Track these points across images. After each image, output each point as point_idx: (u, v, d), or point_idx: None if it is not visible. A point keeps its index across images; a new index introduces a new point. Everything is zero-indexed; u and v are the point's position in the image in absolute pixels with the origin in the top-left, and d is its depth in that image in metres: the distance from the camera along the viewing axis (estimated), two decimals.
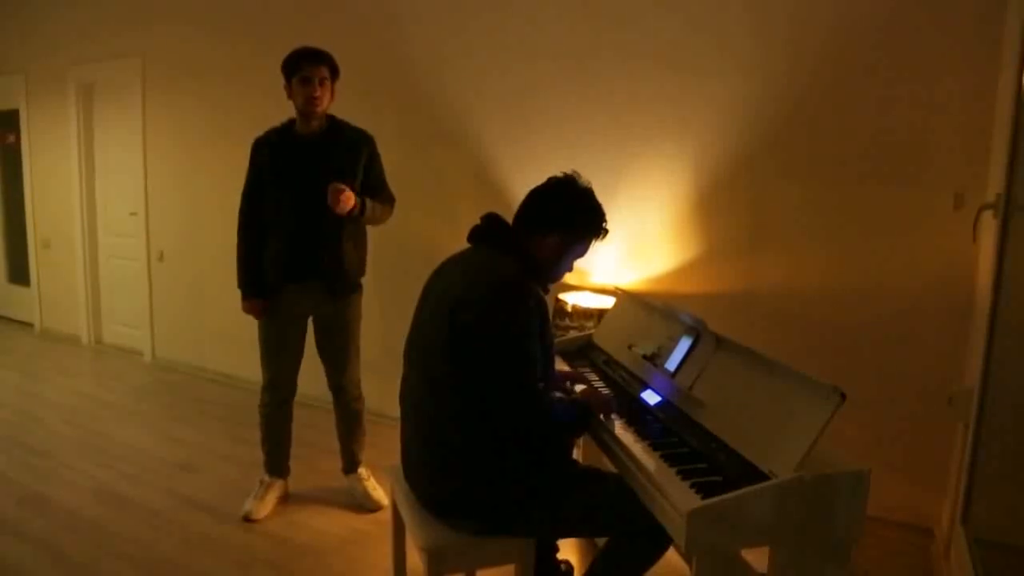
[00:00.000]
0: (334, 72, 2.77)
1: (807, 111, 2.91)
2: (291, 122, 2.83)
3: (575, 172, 2.01)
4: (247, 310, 2.90)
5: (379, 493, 3.03)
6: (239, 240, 2.89)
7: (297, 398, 3.02)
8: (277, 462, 3.03)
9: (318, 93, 2.70)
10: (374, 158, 2.91)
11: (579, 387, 2.22)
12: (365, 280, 2.99)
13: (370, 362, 3.82)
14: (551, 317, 3.17)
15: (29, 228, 6.23)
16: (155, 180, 5.17)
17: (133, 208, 5.36)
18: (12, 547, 2.67)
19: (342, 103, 2.89)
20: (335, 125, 2.84)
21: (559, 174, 2.01)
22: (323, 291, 2.85)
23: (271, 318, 2.89)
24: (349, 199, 2.68)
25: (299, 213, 2.75)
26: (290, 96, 2.76)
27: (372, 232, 3.02)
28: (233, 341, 4.74)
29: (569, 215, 1.95)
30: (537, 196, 1.99)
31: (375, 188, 2.91)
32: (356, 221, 2.84)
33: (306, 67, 2.69)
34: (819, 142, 2.91)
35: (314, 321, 2.97)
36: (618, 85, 3.31)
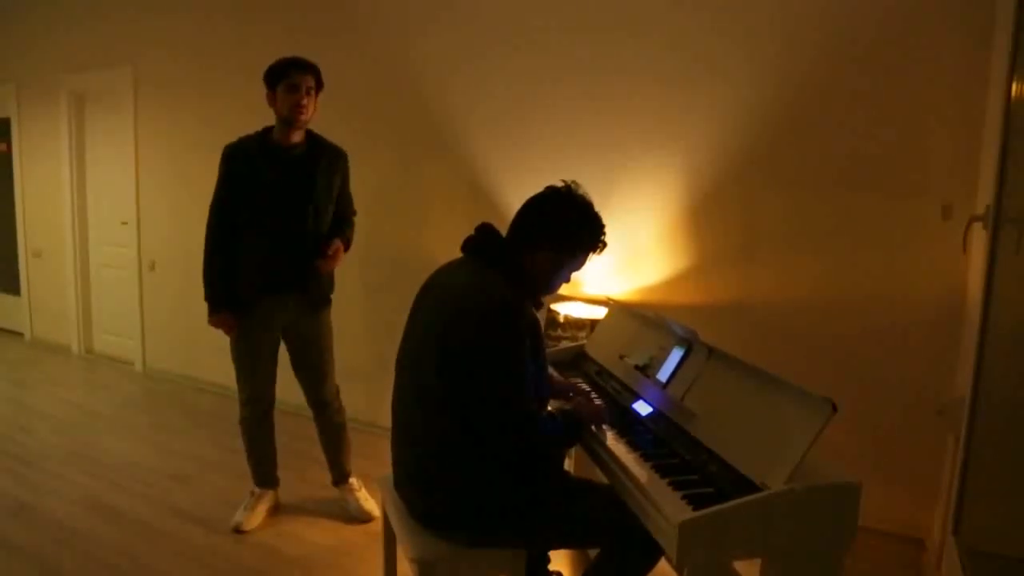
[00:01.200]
0: (319, 84, 2.74)
1: (797, 123, 2.93)
2: (266, 131, 2.77)
3: (573, 182, 1.95)
4: (216, 324, 2.79)
5: (370, 504, 3.01)
6: (208, 251, 2.76)
7: (285, 408, 3.01)
8: (265, 474, 3.01)
9: (304, 101, 2.66)
10: (347, 174, 2.93)
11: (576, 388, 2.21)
12: (356, 289, 2.99)
13: (361, 372, 3.82)
14: (544, 328, 3.17)
15: (20, 237, 6.21)
16: (146, 190, 5.16)
17: (124, 218, 5.34)
18: (1, 558, 2.64)
19: (337, 116, 2.89)
20: (315, 139, 2.82)
21: (557, 183, 1.95)
22: (298, 304, 2.83)
23: (244, 332, 2.81)
24: (341, 258, 2.79)
25: (279, 226, 2.71)
26: (272, 104, 2.71)
27: (364, 240, 3.02)
28: (224, 351, 4.70)
29: (565, 229, 1.90)
30: (533, 208, 1.94)
31: (346, 202, 2.95)
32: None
33: (293, 74, 2.65)
34: (809, 154, 2.93)
35: (287, 338, 2.91)
36: (610, 97, 3.32)
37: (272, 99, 2.70)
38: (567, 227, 1.91)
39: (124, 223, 5.36)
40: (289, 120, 2.68)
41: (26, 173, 6.08)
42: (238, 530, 2.86)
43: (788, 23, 2.90)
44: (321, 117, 2.79)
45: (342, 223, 2.92)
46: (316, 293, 2.85)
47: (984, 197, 2.35)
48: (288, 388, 3.00)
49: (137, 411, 4.43)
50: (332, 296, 2.96)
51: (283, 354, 2.94)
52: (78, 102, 5.58)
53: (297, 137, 2.74)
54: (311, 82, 2.70)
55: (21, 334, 6.38)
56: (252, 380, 2.88)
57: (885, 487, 2.79)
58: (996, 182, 2.19)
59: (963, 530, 2.30)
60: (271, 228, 2.72)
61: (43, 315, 6.18)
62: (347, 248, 2.86)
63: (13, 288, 6.45)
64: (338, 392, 3.03)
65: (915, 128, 2.73)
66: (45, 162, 5.84)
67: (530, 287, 1.91)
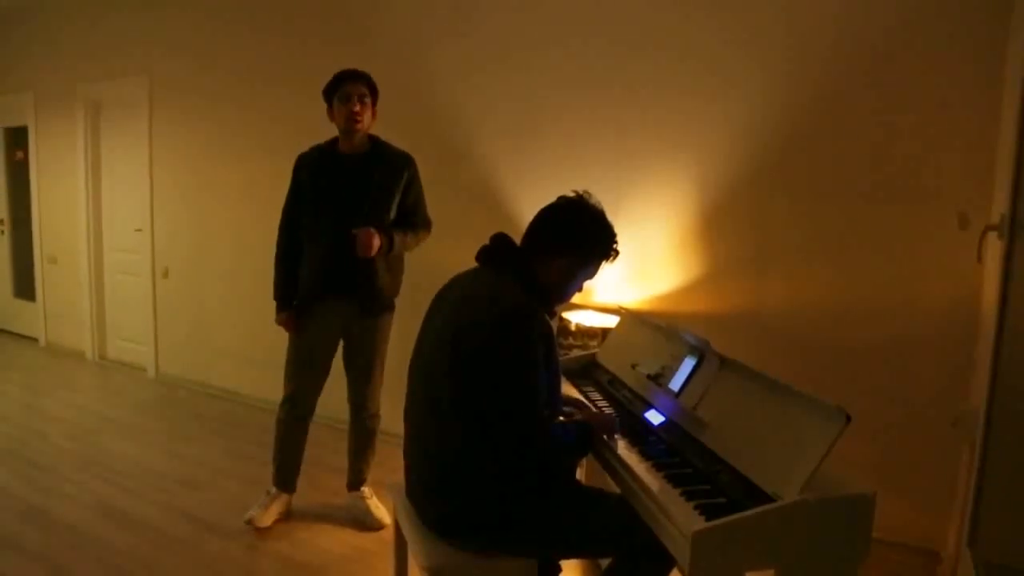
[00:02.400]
0: (373, 91, 2.82)
1: (810, 131, 2.92)
2: (335, 140, 2.87)
3: (586, 192, 1.96)
4: (280, 322, 2.94)
5: (381, 512, 3.01)
6: (277, 254, 2.94)
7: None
8: (286, 476, 3.03)
9: (357, 108, 2.73)
10: (413, 180, 2.93)
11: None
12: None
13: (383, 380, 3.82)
14: (555, 336, 3.17)
15: (36, 244, 6.27)
16: (161, 197, 5.21)
17: (138, 224, 5.39)
18: (13, 562, 2.66)
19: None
20: (377, 145, 2.88)
21: (570, 193, 1.97)
22: (355, 308, 2.87)
23: (301, 333, 2.91)
24: (373, 243, 2.72)
25: (336, 230, 2.76)
26: (332, 119, 2.80)
27: None
28: (237, 358, 4.75)
29: (579, 237, 1.92)
30: (546, 217, 1.95)
31: (412, 210, 2.94)
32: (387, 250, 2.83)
33: (345, 85, 2.74)
34: (822, 162, 2.92)
35: (344, 338, 2.98)
36: (621, 108, 3.33)
37: (331, 114, 2.80)
38: (581, 236, 1.92)
39: (138, 230, 5.40)
40: (347, 130, 2.77)
41: (43, 180, 6.15)
42: (250, 523, 2.89)
43: (799, 32, 2.90)
44: (318, 123, 2.80)
45: (404, 227, 2.90)
46: (369, 297, 2.86)
47: (999, 206, 2.33)
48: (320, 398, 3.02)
49: (150, 417, 4.46)
50: (396, 301, 2.98)
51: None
52: (94, 110, 5.64)
53: (359, 144, 2.82)
54: (363, 89, 2.77)
55: (36, 339, 6.43)
56: (294, 381, 2.94)
57: (899, 498, 2.76)
58: (1011, 191, 2.17)
59: (978, 542, 2.28)
60: (326, 233, 2.79)
61: (58, 321, 6.23)
62: (391, 244, 2.80)
63: (29, 294, 6.52)
64: (378, 400, 3.05)
65: (929, 136, 2.71)
66: (61, 170, 5.91)
67: (544, 296, 1.92)
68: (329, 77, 2.79)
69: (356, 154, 2.82)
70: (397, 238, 2.83)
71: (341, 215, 2.77)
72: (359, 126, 2.76)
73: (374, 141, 2.88)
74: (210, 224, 4.90)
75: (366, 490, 3.08)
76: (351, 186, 2.79)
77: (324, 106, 2.81)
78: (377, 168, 2.83)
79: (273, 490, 3.02)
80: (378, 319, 2.94)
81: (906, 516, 2.79)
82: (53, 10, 5.75)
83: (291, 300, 2.91)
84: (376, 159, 2.84)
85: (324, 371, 2.97)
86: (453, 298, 1.94)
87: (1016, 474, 2.22)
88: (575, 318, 3.25)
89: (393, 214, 2.88)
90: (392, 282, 2.94)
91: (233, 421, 4.28)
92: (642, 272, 3.32)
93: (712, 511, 1.53)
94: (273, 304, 2.95)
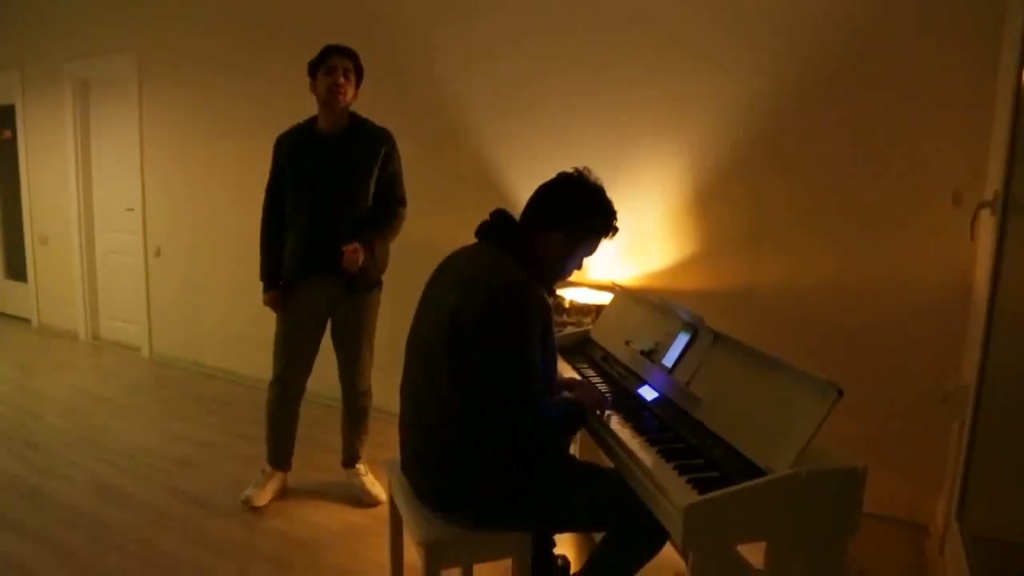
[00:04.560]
0: (359, 70, 2.80)
1: (804, 108, 2.91)
2: (313, 119, 2.84)
3: (586, 168, 1.96)
4: (267, 302, 2.93)
5: (377, 488, 3.03)
6: (261, 234, 2.92)
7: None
8: (280, 455, 3.04)
9: (341, 81, 2.71)
10: (391, 156, 2.89)
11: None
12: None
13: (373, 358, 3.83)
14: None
15: (26, 224, 6.23)
16: (152, 176, 5.17)
17: (130, 204, 5.36)
18: (12, 542, 2.67)
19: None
20: (357, 122, 2.85)
21: (569, 170, 1.96)
22: (340, 287, 2.85)
23: (288, 313, 2.91)
24: (358, 259, 2.74)
25: (317, 210, 2.77)
26: (313, 91, 2.77)
27: None
28: (231, 336, 4.74)
29: (578, 213, 1.92)
30: (545, 193, 1.95)
31: (388, 186, 2.89)
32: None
33: (332, 58, 2.72)
34: (816, 139, 2.91)
35: (331, 317, 2.98)
36: (615, 87, 3.32)
37: (313, 88, 2.77)
38: (579, 212, 1.92)
39: (130, 209, 5.37)
40: (328, 102, 2.73)
41: (31, 160, 6.09)
42: (247, 503, 2.91)
43: (790, 9, 2.88)
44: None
45: (382, 211, 2.88)
46: (353, 276, 2.83)
47: (993, 183, 2.34)
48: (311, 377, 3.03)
49: (145, 397, 4.46)
50: (383, 279, 2.98)
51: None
52: (83, 88, 5.58)
53: (339, 122, 2.79)
54: (349, 65, 2.75)
55: (28, 320, 6.41)
56: (282, 361, 2.94)
57: (889, 473, 2.79)
58: (1005, 167, 2.18)
59: (967, 516, 2.31)
60: (308, 212, 2.79)
61: (50, 302, 6.21)
62: (374, 246, 2.81)
63: (20, 275, 6.49)
64: (369, 378, 3.05)
65: (924, 113, 2.71)
66: (50, 149, 5.85)
67: (543, 272, 1.92)
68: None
69: (336, 132, 2.80)
70: (377, 244, 2.84)
71: (321, 194, 2.76)
72: (341, 98, 2.73)
73: (353, 118, 2.85)
74: (202, 202, 4.87)
75: (361, 467, 3.10)
76: (332, 165, 2.77)
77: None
78: (357, 145, 2.81)
79: (268, 469, 3.04)
80: (364, 297, 2.93)
81: (896, 490, 2.82)
82: None
83: (277, 280, 2.90)
84: (356, 136, 2.82)
85: (312, 350, 2.96)
86: (451, 273, 1.94)
87: (1004, 450, 2.25)
88: (569, 295, 3.25)
89: (372, 191, 2.85)
90: (377, 259, 2.92)
91: (228, 399, 4.29)
92: (636, 249, 3.33)
93: (705, 485, 1.54)
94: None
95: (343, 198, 2.76)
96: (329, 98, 2.72)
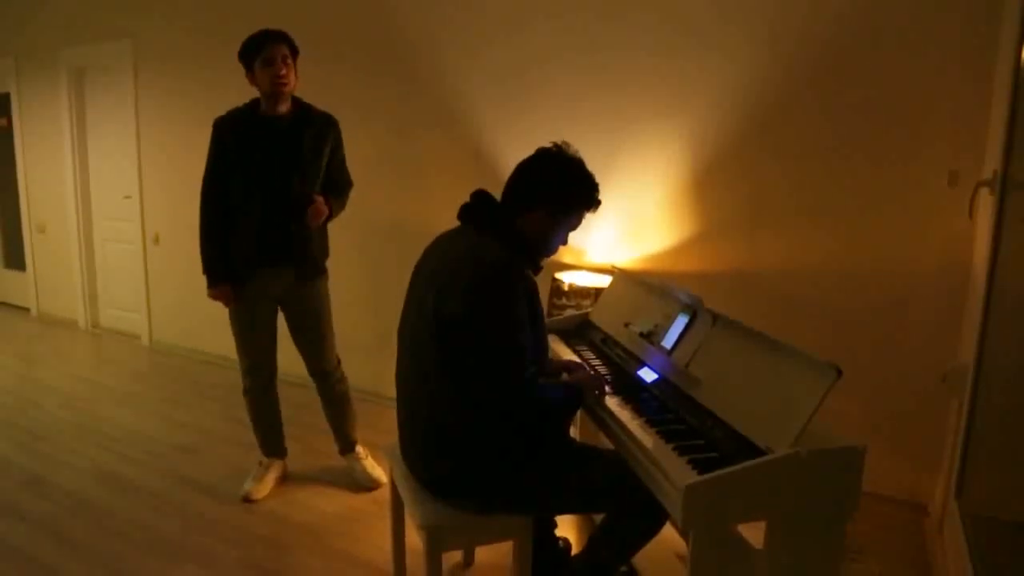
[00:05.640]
0: (294, 51, 2.70)
1: (802, 91, 2.89)
2: (255, 103, 2.75)
3: (564, 143, 1.95)
4: (215, 296, 2.82)
5: (378, 471, 3.04)
6: (203, 224, 2.76)
7: (290, 380, 3.02)
8: (272, 443, 3.04)
9: (283, 72, 2.63)
10: (339, 142, 2.88)
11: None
12: (356, 259, 2.97)
13: (363, 342, 3.83)
14: (548, 296, 3.18)
15: (23, 213, 6.21)
16: (148, 163, 5.15)
17: (127, 191, 5.34)
18: (14, 529, 2.68)
19: (332, 84, 2.86)
20: (302, 108, 2.79)
21: (548, 145, 1.95)
22: (290, 276, 2.82)
23: (241, 303, 2.83)
24: (323, 210, 2.71)
25: (269, 198, 2.70)
26: (253, 83, 2.69)
27: (364, 211, 3.00)
28: (230, 323, 4.73)
29: (557, 187, 1.90)
30: (524, 170, 1.94)
31: (338, 171, 2.89)
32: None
33: (267, 48, 2.61)
34: (814, 121, 2.90)
35: (284, 308, 2.93)
36: (610, 68, 3.29)
37: (252, 79, 2.68)
38: (559, 185, 1.91)
39: (127, 197, 5.35)
40: (273, 94, 2.66)
41: (27, 148, 6.07)
42: (247, 499, 2.90)
43: None
44: (316, 85, 2.75)
45: (333, 193, 2.87)
46: (307, 263, 2.83)
47: (991, 162, 2.33)
48: (291, 359, 3.02)
49: (144, 384, 4.47)
50: (328, 265, 2.95)
51: (283, 327, 2.95)
52: (78, 75, 5.55)
53: (284, 107, 2.72)
54: (285, 50, 2.66)
55: (27, 309, 6.41)
56: (251, 349, 2.90)
57: (889, 452, 2.81)
58: (1003, 147, 2.17)
59: (965, 495, 2.32)
60: (259, 199, 2.71)
61: (49, 290, 6.20)
62: (332, 214, 2.81)
63: (18, 264, 6.48)
64: (339, 361, 3.04)
65: (922, 93, 2.69)
66: (46, 137, 5.82)
67: (527, 250, 1.91)
68: (318, 36, 2.72)
69: (283, 117, 2.72)
70: (335, 205, 2.82)
71: (274, 180, 2.69)
72: (286, 89, 2.66)
73: (296, 102, 2.78)
74: (200, 189, 4.84)
75: (360, 450, 3.10)
76: (282, 150, 2.70)
77: (309, 67, 2.73)
78: (306, 131, 2.74)
79: (264, 460, 3.04)
80: (315, 284, 2.89)
81: (895, 470, 2.83)
82: None
83: (225, 273, 2.77)
84: (304, 122, 2.75)
85: (274, 331, 2.92)
86: (435, 259, 1.94)
87: (1002, 429, 2.25)
88: (568, 278, 3.25)
89: (322, 176, 2.83)
90: (323, 245, 2.90)
91: (227, 386, 4.28)
92: (635, 231, 3.32)
93: (705, 465, 1.55)
94: None
95: (295, 184, 2.71)
96: (275, 91, 2.64)
